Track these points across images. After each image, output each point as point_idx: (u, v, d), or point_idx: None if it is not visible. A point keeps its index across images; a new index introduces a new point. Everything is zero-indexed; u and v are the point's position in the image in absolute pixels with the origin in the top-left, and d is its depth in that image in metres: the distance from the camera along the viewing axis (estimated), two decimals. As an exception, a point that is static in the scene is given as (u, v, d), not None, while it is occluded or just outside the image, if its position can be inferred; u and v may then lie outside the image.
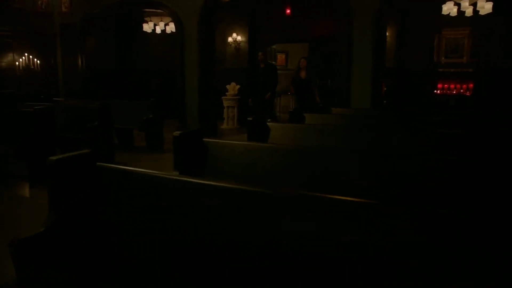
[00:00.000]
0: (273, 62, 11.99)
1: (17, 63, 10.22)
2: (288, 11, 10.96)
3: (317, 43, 11.30)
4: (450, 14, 9.04)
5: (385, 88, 9.21)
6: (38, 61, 10.56)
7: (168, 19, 10.93)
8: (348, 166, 2.85)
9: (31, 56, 10.40)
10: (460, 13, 8.95)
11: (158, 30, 11.52)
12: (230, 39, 11.80)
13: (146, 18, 11.60)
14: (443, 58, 10.81)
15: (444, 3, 8.88)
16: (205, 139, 3.29)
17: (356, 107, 7.60)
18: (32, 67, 10.44)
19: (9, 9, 10.24)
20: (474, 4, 8.59)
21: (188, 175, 2.39)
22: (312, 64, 11.53)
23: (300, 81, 8.47)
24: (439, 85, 10.71)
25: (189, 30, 9.14)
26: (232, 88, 10.90)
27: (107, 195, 2.27)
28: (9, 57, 10.38)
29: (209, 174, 3.11)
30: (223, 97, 10.81)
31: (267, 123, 4.26)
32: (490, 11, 8.45)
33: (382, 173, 2.71)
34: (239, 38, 11.91)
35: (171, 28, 10.99)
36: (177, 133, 3.16)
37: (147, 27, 11.35)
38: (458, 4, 8.81)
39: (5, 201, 4.98)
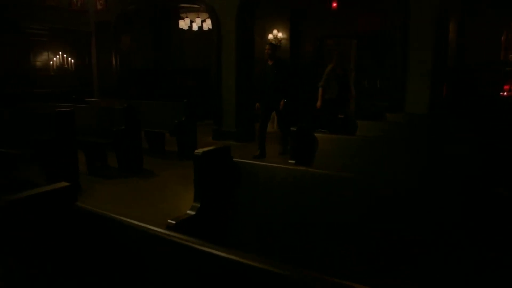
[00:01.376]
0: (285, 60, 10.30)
1: (51, 62, 9.95)
2: (335, 4, 10.04)
3: (366, 40, 10.31)
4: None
5: (445, 91, 8.14)
6: (73, 60, 10.26)
7: (205, 15, 10.34)
8: (427, 206, 2.03)
9: (65, 55, 10.10)
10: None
11: (195, 27, 10.95)
12: (270, 36, 11.04)
13: (182, 15, 11.06)
14: (511, 55, 9.53)
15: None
16: (235, 160, 2.57)
17: (411, 111, 6.67)
18: (66, 66, 10.15)
19: (44, 7, 9.99)
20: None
21: (208, 212, 2.23)
22: (359, 62, 10.64)
23: (336, 76, 7.13)
24: (506, 87, 9.44)
25: (226, 27, 8.46)
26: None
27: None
28: (44, 56, 10.14)
29: (240, 209, 2.39)
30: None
31: (315, 135, 3.50)
32: None
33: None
34: (280, 35, 11.14)
35: (208, 24, 10.40)
36: (199, 151, 2.45)
37: (183, 24, 10.80)
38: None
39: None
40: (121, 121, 5.96)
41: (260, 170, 2.47)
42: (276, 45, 7.36)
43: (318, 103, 7.16)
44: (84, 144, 6.25)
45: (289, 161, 3.35)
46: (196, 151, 2.40)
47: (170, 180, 5.64)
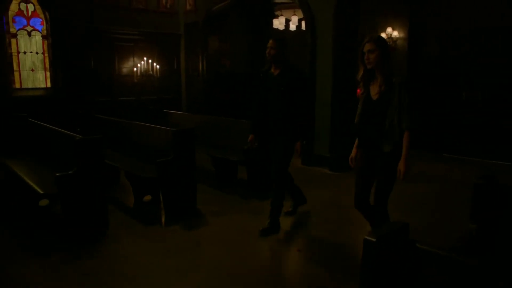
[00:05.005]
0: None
1: (135, 69, 9.26)
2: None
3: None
4: None
5: None
6: (158, 66, 9.46)
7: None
8: None
9: (150, 61, 9.34)
10: None
11: (292, 26, 9.36)
12: (383, 35, 8.93)
13: (277, 13, 9.56)
14: None
15: None
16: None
17: None
18: (151, 72, 9.38)
19: (130, 9, 9.35)
20: None
21: None
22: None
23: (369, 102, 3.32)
24: None
25: (321, 25, 6.71)
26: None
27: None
28: (130, 62, 9.51)
29: None
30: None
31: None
32: None
33: None
34: (395, 33, 8.97)
35: (306, 23, 8.72)
36: (371, 237, 1.53)
37: (278, 24, 9.28)
38: None
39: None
40: (170, 148, 4.65)
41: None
42: (283, 41, 4.03)
43: None
44: (131, 178, 5.12)
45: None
46: (366, 237, 1.70)
47: (218, 238, 4.10)
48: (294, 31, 9.45)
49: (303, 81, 4.16)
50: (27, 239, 4.02)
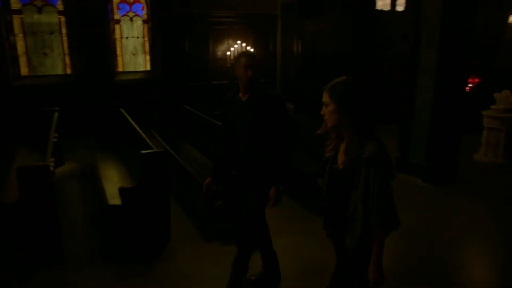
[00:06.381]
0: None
1: (228, 52, 9.11)
2: None
3: None
4: None
5: None
6: (252, 49, 9.17)
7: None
8: None
9: (244, 44, 9.09)
10: None
11: (400, 7, 8.21)
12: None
13: (382, -9, 8.47)
14: None
15: None
16: None
17: None
18: (245, 56, 9.13)
19: (226, -10, 9.12)
20: None
21: None
22: None
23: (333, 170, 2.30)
24: None
25: (427, 6, 5.70)
26: (504, 98, 6.81)
27: None
28: (224, 45, 9.39)
29: None
30: (484, 112, 6.93)
31: None
32: None
33: None
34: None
35: (416, 3, 7.57)
36: None
37: (382, 4, 8.22)
38: None
39: None
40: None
41: None
42: (255, 57, 3.10)
43: None
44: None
45: None
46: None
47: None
48: (402, 12, 8.31)
49: (279, 108, 3.06)
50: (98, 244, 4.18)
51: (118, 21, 8.77)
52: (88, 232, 4.44)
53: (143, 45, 9.13)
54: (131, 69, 9.10)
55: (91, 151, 6.36)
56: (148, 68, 9.20)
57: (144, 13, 8.94)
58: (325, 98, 2.03)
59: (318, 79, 9.10)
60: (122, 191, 3.88)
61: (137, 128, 5.11)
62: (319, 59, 9.33)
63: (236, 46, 9.10)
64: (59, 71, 8.46)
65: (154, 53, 9.03)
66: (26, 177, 3.54)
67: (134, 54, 9.09)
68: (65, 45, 8.31)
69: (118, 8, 8.73)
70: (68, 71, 8.46)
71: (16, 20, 7.91)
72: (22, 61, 8.09)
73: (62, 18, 8.20)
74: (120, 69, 8.94)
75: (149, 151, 3.92)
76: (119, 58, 8.92)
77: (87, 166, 6.28)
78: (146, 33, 9.05)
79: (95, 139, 6.51)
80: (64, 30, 8.25)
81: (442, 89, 5.71)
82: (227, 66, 9.19)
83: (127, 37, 8.94)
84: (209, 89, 9.38)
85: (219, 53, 9.40)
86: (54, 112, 6.41)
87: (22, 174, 3.53)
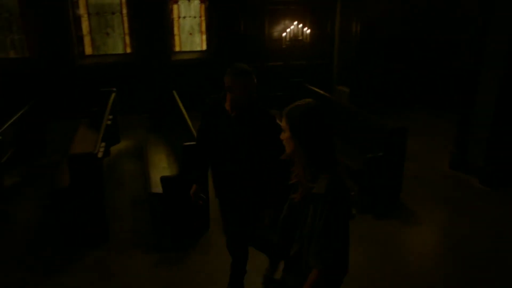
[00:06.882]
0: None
1: (283, 34, 8.92)
2: None
3: None
4: None
5: None
6: (309, 30, 8.91)
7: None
8: None
9: (300, 25, 8.84)
10: None
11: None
12: None
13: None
14: None
15: None
16: None
17: None
18: (301, 37, 8.91)
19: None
20: None
21: None
22: None
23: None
24: None
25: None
26: None
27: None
28: (281, 25, 9.21)
29: None
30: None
31: None
32: None
33: None
34: None
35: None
36: None
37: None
38: None
39: None
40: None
41: None
42: (250, 73, 2.72)
43: None
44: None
45: None
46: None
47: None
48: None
49: (273, 127, 2.69)
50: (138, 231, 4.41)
51: (176, 1, 8.87)
52: (134, 215, 4.68)
53: (199, 25, 9.20)
54: (187, 48, 9.24)
55: (144, 132, 6.62)
56: (204, 47, 9.29)
57: (201, -8, 8.97)
58: (283, 122, 1.83)
59: (378, 64, 8.84)
60: (163, 180, 4.02)
61: (185, 114, 5.21)
62: (380, 42, 8.87)
63: (292, 27, 8.88)
64: (120, 50, 8.81)
65: (210, 33, 9.07)
66: (76, 164, 3.78)
67: (190, 34, 9.21)
68: (126, 25, 8.61)
69: (177, -12, 8.83)
70: (128, 50, 8.77)
71: (81, 1, 8.29)
72: (87, 40, 8.51)
73: (123, -1, 8.48)
74: (177, 48, 9.11)
75: (191, 143, 4.00)
76: (176, 38, 9.07)
77: (140, 145, 6.58)
78: (203, 13, 9.09)
79: (149, 120, 6.74)
80: (124, 10, 8.52)
81: (510, 82, 5.22)
82: (282, 47, 9.03)
83: (184, 17, 9.05)
84: (263, 71, 9.29)
85: (275, 34, 9.25)
86: (111, 93, 6.71)
87: (72, 161, 3.77)
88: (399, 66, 8.99)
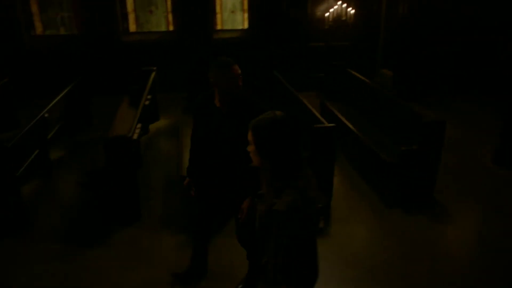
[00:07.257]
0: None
1: (326, 14, 8.67)
2: None
3: None
4: None
5: None
6: (353, 11, 8.61)
7: None
8: None
9: (345, 5, 8.55)
10: None
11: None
12: None
13: None
14: None
15: None
16: None
17: None
18: (344, 18, 8.64)
19: None
20: None
21: None
22: None
23: None
24: None
25: None
26: None
27: None
28: (324, 5, 8.95)
29: None
30: None
31: None
32: None
33: None
34: None
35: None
36: None
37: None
38: None
39: None
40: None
41: None
42: (233, 63, 2.73)
43: None
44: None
45: None
46: None
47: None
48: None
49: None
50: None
51: (219, -21, 8.83)
52: (167, 195, 4.87)
53: (242, 3, 9.13)
54: (229, 27, 9.23)
55: (182, 111, 6.76)
56: (246, 26, 9.23)
57: (245, -31, 8.85)
58: (249, 135, 1.79)
59: (424, 48, 8.44)
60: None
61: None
62: (427, 26, 8.44)
63: (336, 6, 8.63)
64: (162, 28, 8.94)
65: (252, 11, 8.98)
66: (111, 147, 3.96)
67: (233, 12, 9.16)
68: (169, 2, 8.69)
69: (220, -35, 8.75)
70: (171, 28, 8.88)
71: (126, -21, 8.44)
72: (131, 18, 8.70)
73: (167, -24, 8.54)
74: (218, 27, 9.12)
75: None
76: (218, 16, 9.07)
77: (178, 125, 6.73)
78: (245, -10, 9.00)
79: (186, 100, 6.86)
80: (168, -12, 8.60)
81: None
82: (325, 27, 8.81)
83: (227, -5, 9.01)
84: (305, 51, 9.16)
85: (318, 14, 9.02)
86: (152, 72, 6.87)
87: (108, 144, 3.95)
88: (447, 51, 8.54)
